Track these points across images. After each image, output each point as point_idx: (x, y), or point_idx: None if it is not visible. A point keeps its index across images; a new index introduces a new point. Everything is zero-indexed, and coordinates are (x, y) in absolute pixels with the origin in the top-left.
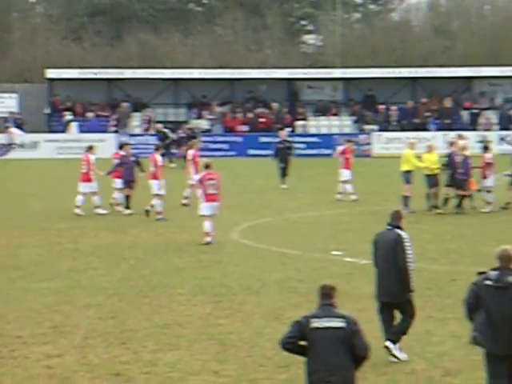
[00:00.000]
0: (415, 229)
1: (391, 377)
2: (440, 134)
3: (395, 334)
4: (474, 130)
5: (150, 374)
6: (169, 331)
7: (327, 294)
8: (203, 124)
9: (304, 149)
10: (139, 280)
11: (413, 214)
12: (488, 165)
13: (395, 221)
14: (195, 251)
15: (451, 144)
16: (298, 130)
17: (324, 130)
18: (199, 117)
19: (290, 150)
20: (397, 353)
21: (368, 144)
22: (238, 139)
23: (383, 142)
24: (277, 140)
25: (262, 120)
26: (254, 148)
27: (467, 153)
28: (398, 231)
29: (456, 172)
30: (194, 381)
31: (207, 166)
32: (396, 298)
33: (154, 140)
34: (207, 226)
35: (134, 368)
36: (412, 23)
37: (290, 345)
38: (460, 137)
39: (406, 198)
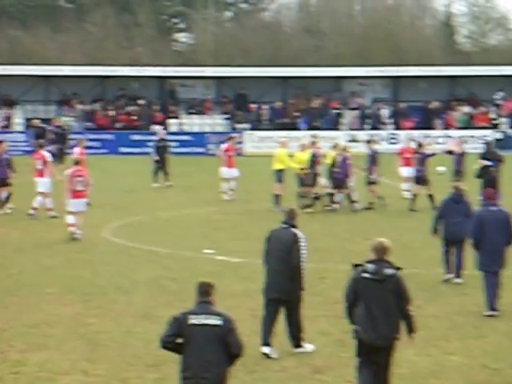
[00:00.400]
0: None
1: (261, 375)
2: (311, 133)
3: (294, 339)
4: (337, 129)
5: (18, 374)
6: (38, 331)
7: (205, 291)
8: (70, 121)
9: (177, 147)
10: (7, 279)
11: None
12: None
13: (291, 219)
14: (65, 250)
15: (318, 145)
16: (173, 129)
17: (196, 129)
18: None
19: (168, 149)
20: (308, 347)
21: (240, 143)
22: (110, 137)
23: (255, 141)
24: (155, 138)
25: (133, 118)
26: (125, 146)
27: (344, 153)
28: (295, 231)
29: (334, 171)
30: (63, 380)
31: (77, 163)
32: (287, 296)
33: (21, 137)
34: (70, 218)
35: (3, 368)
36: (283, 23)
37: (170, 344)
38: (314, 137)
39: (277, 197)
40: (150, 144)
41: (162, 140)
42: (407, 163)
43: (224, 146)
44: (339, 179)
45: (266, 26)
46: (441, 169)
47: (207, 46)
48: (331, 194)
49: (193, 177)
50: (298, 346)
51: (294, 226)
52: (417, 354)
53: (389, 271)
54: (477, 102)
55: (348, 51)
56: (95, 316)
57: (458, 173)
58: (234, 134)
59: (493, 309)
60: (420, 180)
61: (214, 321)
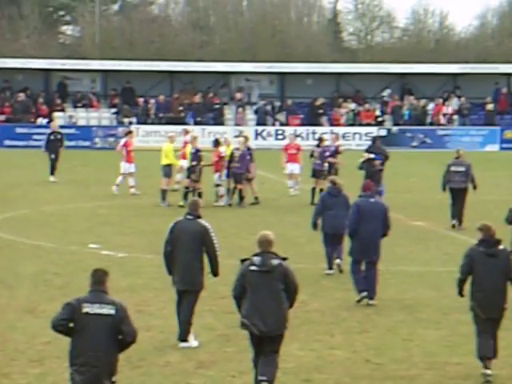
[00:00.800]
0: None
1: (146, 370)
2: (198, 128)
3: (184, 331)
4: (222, 124)
5: None
6: None
7: (99, 279)
8: None
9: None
10: None
11: (169, 208)
12: (220, 159)
13: (195, 211)
14: None
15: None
16: (59, 122)
17: (82, 122)
18: None
19: (61, 142)
20: (193, 343)
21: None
22: None
23: (142, 135)
24: (48, 131)
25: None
26: (10, 139)
27: (240, 147)
28: (202, 222)
29: (233, 166)
30: None
31: None
32: (196, 287)
33: None
34: None
35: None
36: (170, 17)
37: (62, 327)
38: (186, 131)
39: (163, 192)
40: (38, 137)
41: (55, 133)
42: (292, 159)
43: (123, 141)
44: (238, 174)
45: (153, 20)
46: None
47: (93, 39)
48: (233, 189)
49: (78, 171)
50: (184, 340)
51: (199, 217)
52: (301, 348)
53: (275, 262)
54: (362, 99)
55: (235, 47)
56: None
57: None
58: (132, 128)
59: (360, 291)
60: (317, 173)
61: (108, 310)
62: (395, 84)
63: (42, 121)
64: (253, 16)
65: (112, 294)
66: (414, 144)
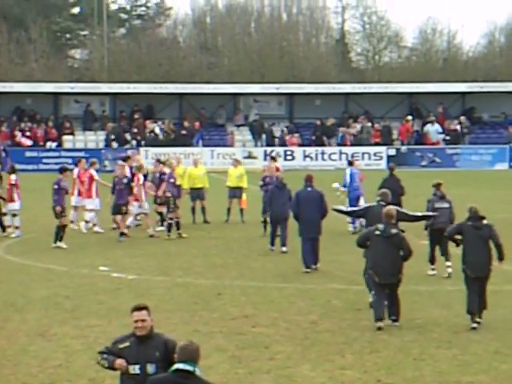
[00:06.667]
0: (182, 244)
1: None
2: (207, 149)
3: None
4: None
5: None
6: None
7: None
8: None
9: (71, 163)
10: None
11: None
12: (13, 186)
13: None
14: None
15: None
16: (67, 145)
17: (91, 145)
18: None
19: None
20: None
21: None
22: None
23: (151, 158)
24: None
25: (28, 134)
26: (19, 162)
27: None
28: None
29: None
30: None
31: None
32: None
33: None
34: None
35: None
36: (178, 39)
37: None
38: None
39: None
40: (47, 161)
41: None
42: None
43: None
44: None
45: (161, 43)
46: (335, 185)
47: (101, 63)
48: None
49: None
50: None
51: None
52: (312, 369)
53: (394, 230)
54: (371, 119)
55: (244, 68)
56: None
57: None
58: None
59: (307, 266)
60: None
61: None
62: (403, 103)
63: (51, 144)
64: (261, 37)
65: (123, 317)
66: (424, 163)
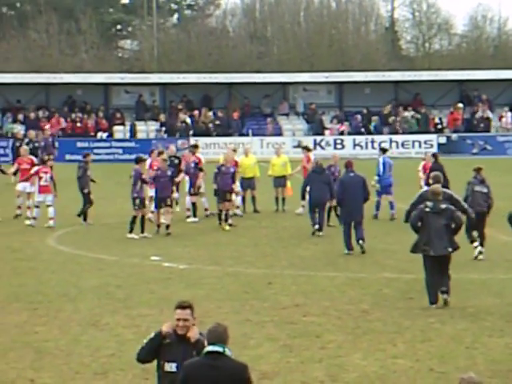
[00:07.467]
0: (232, 233)
1: None
2: (257, 138)
3: None
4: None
5: None
6: None
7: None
8: (18, 129)
9: (121, 154)
10: None
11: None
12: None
13: None
14: (10, 258)
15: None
16: (117, 135)
17: (142, 136)
18: (14, 121)
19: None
20: None
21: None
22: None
23: (202, 147)
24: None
25: (79, 125)
26: (70, 153)
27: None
28: None
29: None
30: None
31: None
32: None
33: None
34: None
35: None
36: (228, 29)
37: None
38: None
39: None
40: (98, 151)
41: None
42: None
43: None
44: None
45: (211, 32)
46: (373, 182)
47: (151, 53)
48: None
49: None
50: None
51: None
52: (363, 358)
53: (443, 206)
54: (421, 107)
55: (293, 57)
56: (41, 324)
57: None
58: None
59: (349, 248)
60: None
61: None
62: (454, 91)
63: (102, 135)
64: (310, 26)
65: (173, 307)
66: (475, 151)
